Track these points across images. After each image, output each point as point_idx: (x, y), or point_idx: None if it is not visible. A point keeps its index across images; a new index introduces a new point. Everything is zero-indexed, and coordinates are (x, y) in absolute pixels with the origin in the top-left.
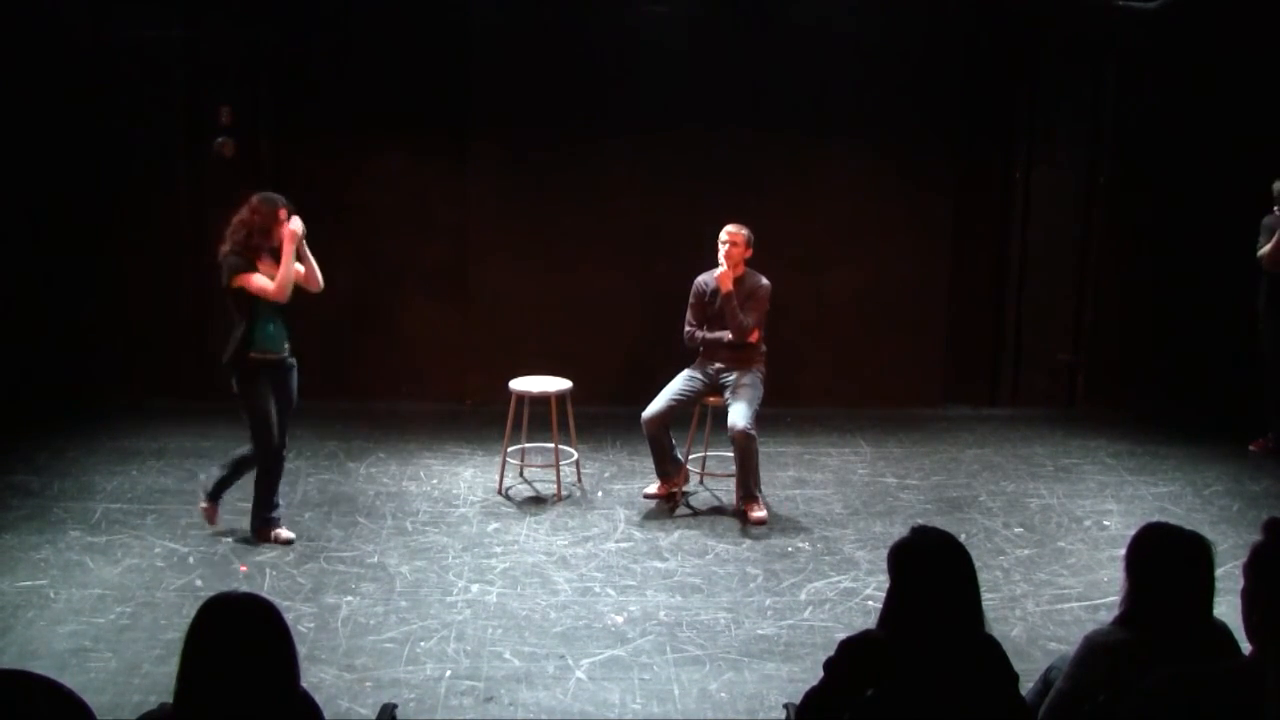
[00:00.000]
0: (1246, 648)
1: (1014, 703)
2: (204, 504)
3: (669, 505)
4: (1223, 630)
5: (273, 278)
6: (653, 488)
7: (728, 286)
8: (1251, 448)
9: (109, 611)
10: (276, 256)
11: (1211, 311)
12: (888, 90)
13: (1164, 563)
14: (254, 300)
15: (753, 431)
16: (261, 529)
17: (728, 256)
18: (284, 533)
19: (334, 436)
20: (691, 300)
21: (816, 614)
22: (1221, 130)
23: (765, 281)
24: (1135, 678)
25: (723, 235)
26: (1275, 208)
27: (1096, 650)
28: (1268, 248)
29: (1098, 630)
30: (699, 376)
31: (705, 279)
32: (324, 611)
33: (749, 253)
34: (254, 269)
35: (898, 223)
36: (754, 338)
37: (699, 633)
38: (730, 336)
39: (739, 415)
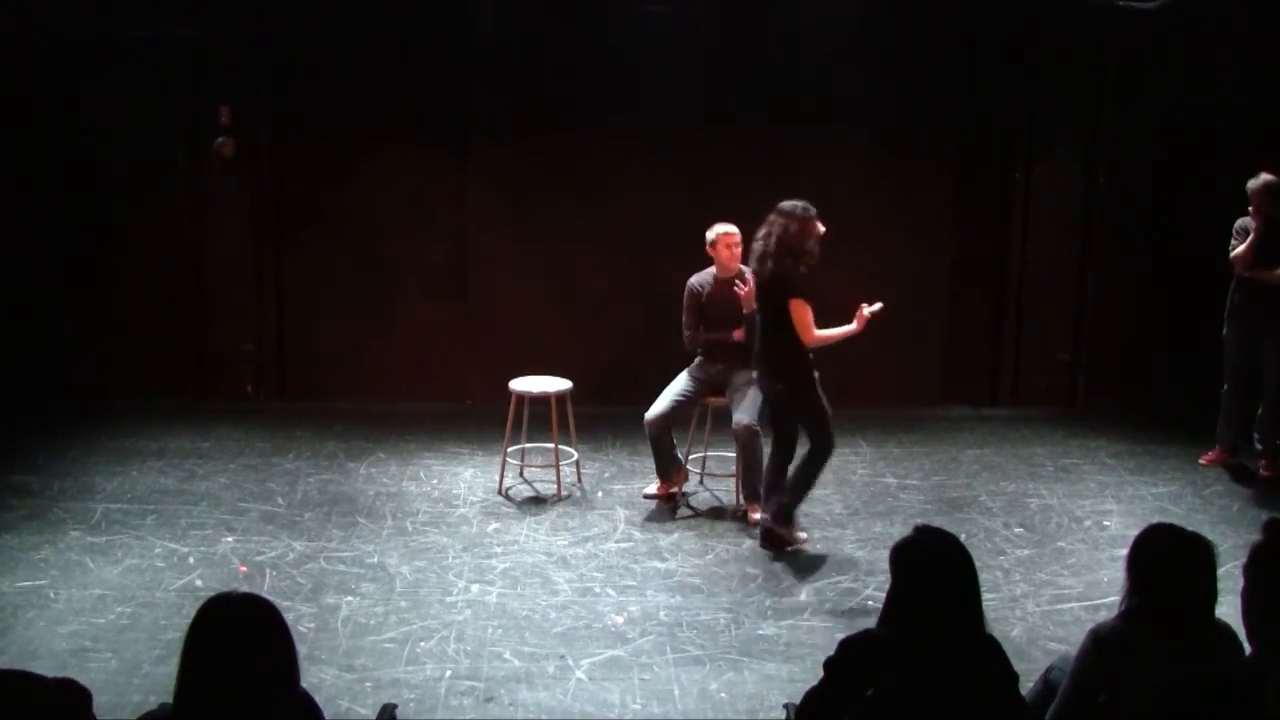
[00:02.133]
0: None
1: (1014, 703)
2: (780, 528)
3: (669, 505)
4: (1225, 630)
5: None
6: (652, 488)
7: (752, 305)
8: (1202, 461)
9: (109, 611)
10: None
11: (1211, 311)
12: (888, 89)
13: (1166, 564)
14: None
15: (757, 428)
16: (782, 527)
17: (734, 258)
18: (802, 534)
19: (334, 436)
20: (687, 303)
21: (816, 614)
22: (1221, 130)
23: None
24: (1138, 674)
25: (715, 237)
26: (1250, 209)
27: (1102, 643)
28: (1240, 249)
29: (1102, 624)
30: (700, 377)
31: (699, 280)
32: (324, 611)
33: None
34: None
35: (898, 222)
36: None
37: (699, 633)
38: (736, 338)
39: (744, 412)
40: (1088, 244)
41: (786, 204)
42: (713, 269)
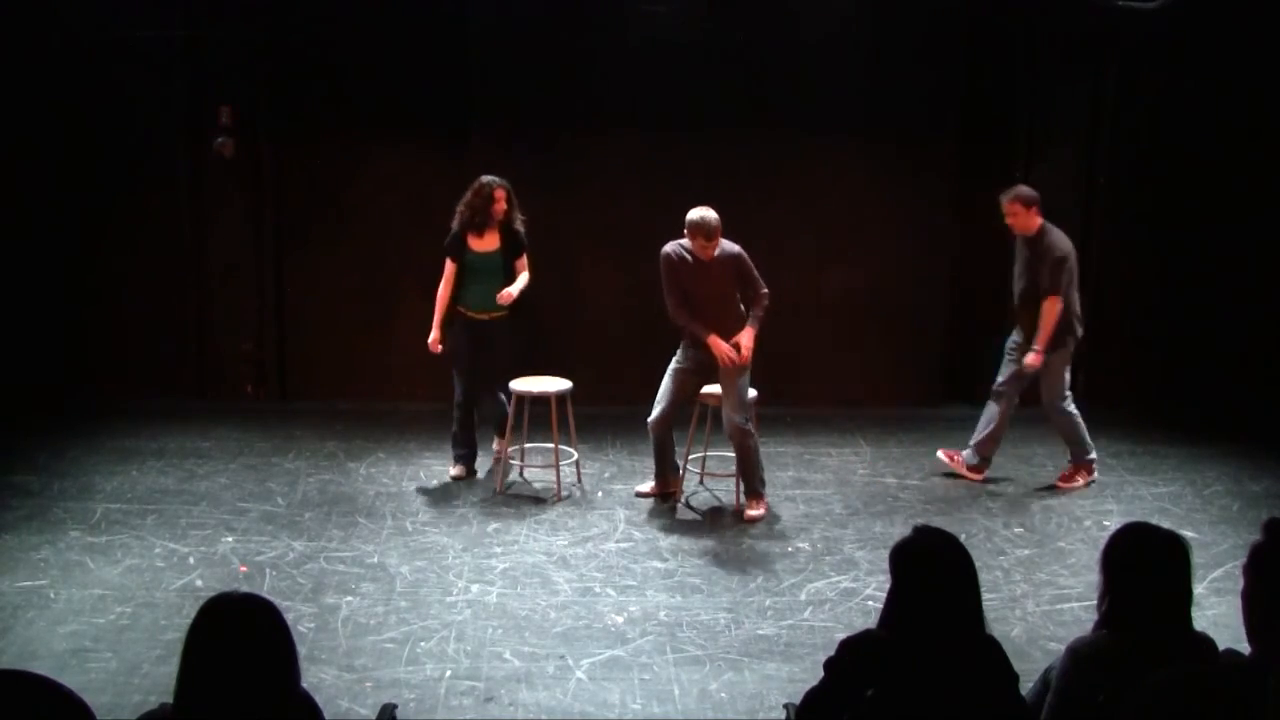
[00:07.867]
0: (1238, 652)
1: (1014, 703)
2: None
3: (669, 505)
4: (1205, 641)
5: None
6: (646, 486)
7: (746, 358)
8: None
9: (109, 611)
10: None
11: (1211, 311)
12: (888, 90)
13: (1139, 563)
14: None
15: (748, 427)
16: None
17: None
18: None
19: (334, 436)
20: (668, 273)
21: (816, 614)
22: (1221, 130)
23: (737, 249)
24: (1123, 684)
25: (692, 231)
26: None
27: (1081, 661)
28: None
29: (1080, 640)
30: (688, 365)
31: (675, 249)
32: (324, 611)
33: None
34: None
35: (898, 222)
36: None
37: (699, 633)
38: (709, 343)
39: (734, 410)
40: (1087, 244)
41: None
42: (688, 242)
